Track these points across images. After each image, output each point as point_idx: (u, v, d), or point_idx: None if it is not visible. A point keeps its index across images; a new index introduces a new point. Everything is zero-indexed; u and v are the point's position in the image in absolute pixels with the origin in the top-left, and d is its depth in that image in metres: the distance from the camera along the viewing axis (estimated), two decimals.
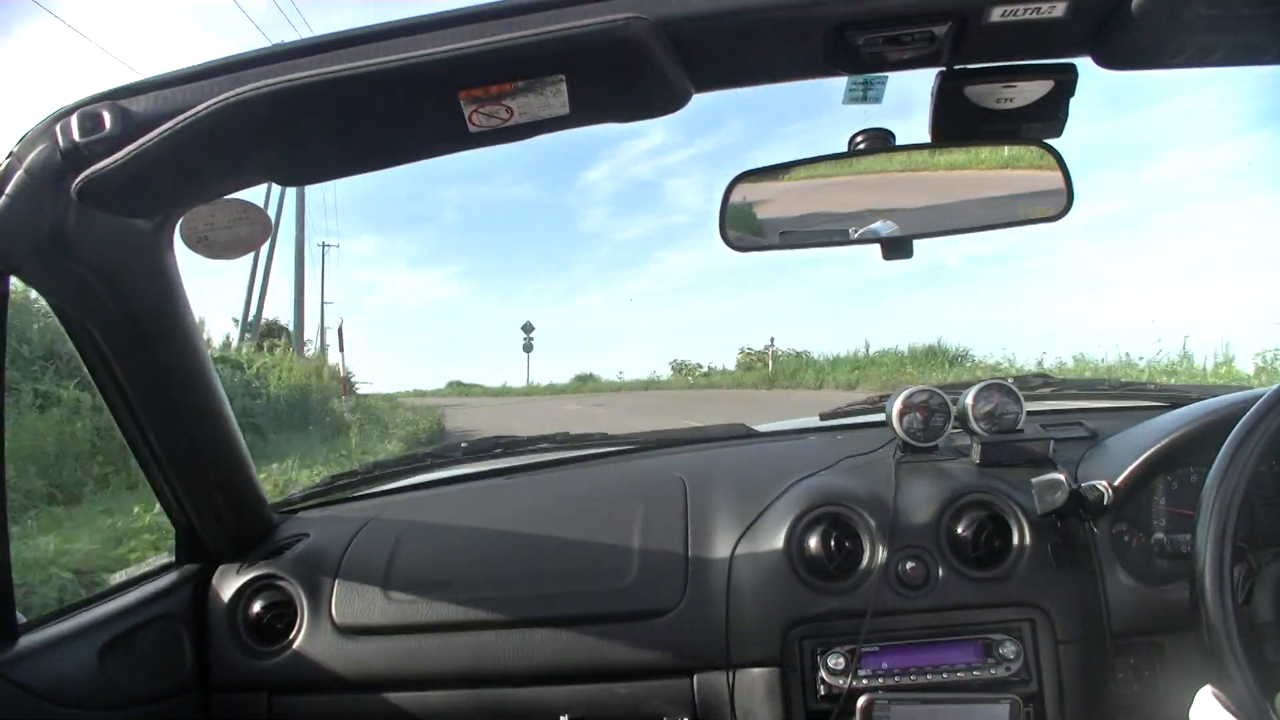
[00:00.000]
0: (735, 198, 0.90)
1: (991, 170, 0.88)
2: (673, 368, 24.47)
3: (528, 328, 27.95)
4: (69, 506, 4.48)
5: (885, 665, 0.98)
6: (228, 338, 14.45)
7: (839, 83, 0.76)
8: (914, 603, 1.00)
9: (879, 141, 0.83)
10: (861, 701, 0.95)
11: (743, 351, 21.52)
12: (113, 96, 0.67)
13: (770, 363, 18.58)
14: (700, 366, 23.60)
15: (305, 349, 14.08)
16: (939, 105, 0.72)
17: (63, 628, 0.95)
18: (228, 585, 1.13)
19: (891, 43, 0.64)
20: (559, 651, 1.06)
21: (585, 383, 26.86)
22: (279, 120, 0.65)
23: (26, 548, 3.13)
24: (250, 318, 14.95)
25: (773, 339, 19.42)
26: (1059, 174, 0.84)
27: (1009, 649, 0.98)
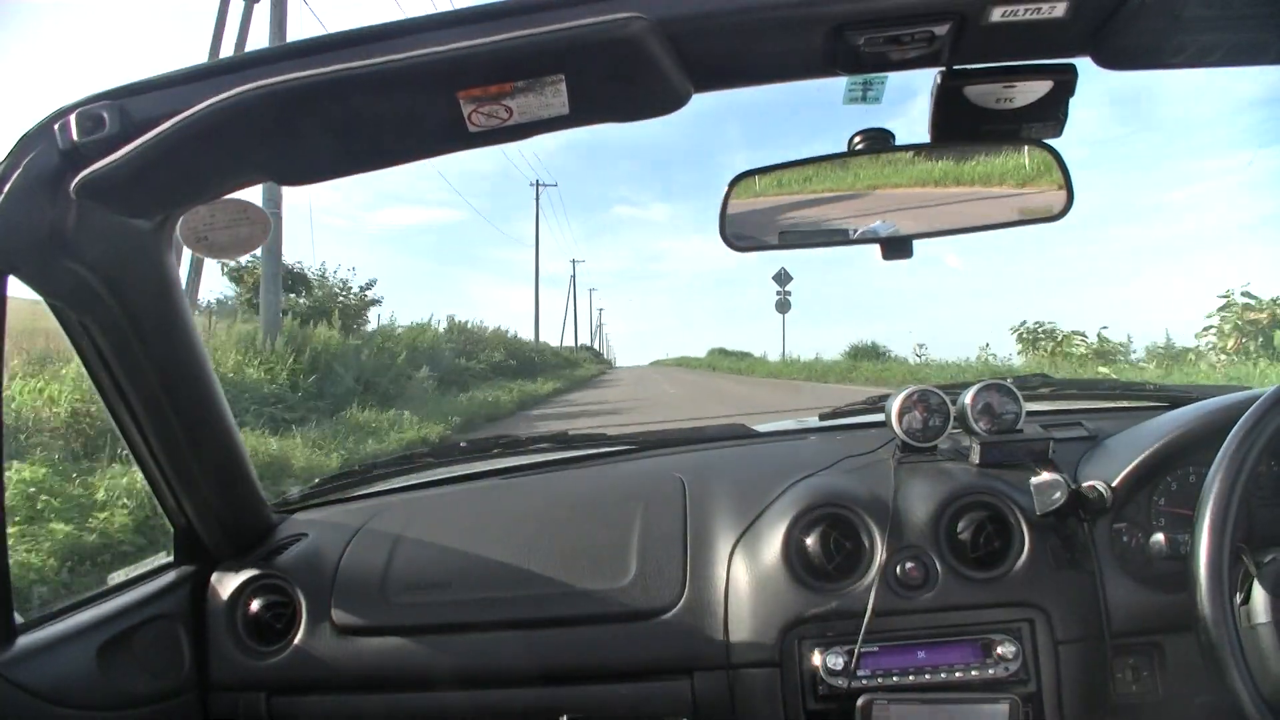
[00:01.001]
0: (735, 197, 0.90)
1: (992, 170, 0.88)
2: (1021, 337, 14.51)
3: (782, 278, 19.65)
4: None
5: (884, 665, 0.98)
6: None
7: None
8: (913, 603, 1.00)
9: (878, 142, 0.83)
10: (861, 701, 0.95)
11: (1239, 303, 10.06)
12: (112, 96, 0.67)
13: None
14: (1080, 336, 13.26)
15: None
16: (939, 105, 0.72)
17: (61, 628, 0.95)
18: (226, 585, 1.13)
19: (892, 42, 0.64)
20: (558, 652, 1.06)
21: (862, 359, 18.27)
22: (278, 120, 0.65)
23: None
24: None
25: None
26: (1059, 174, 0.84)
27: (1008, 649, 0.98)
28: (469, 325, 19.89)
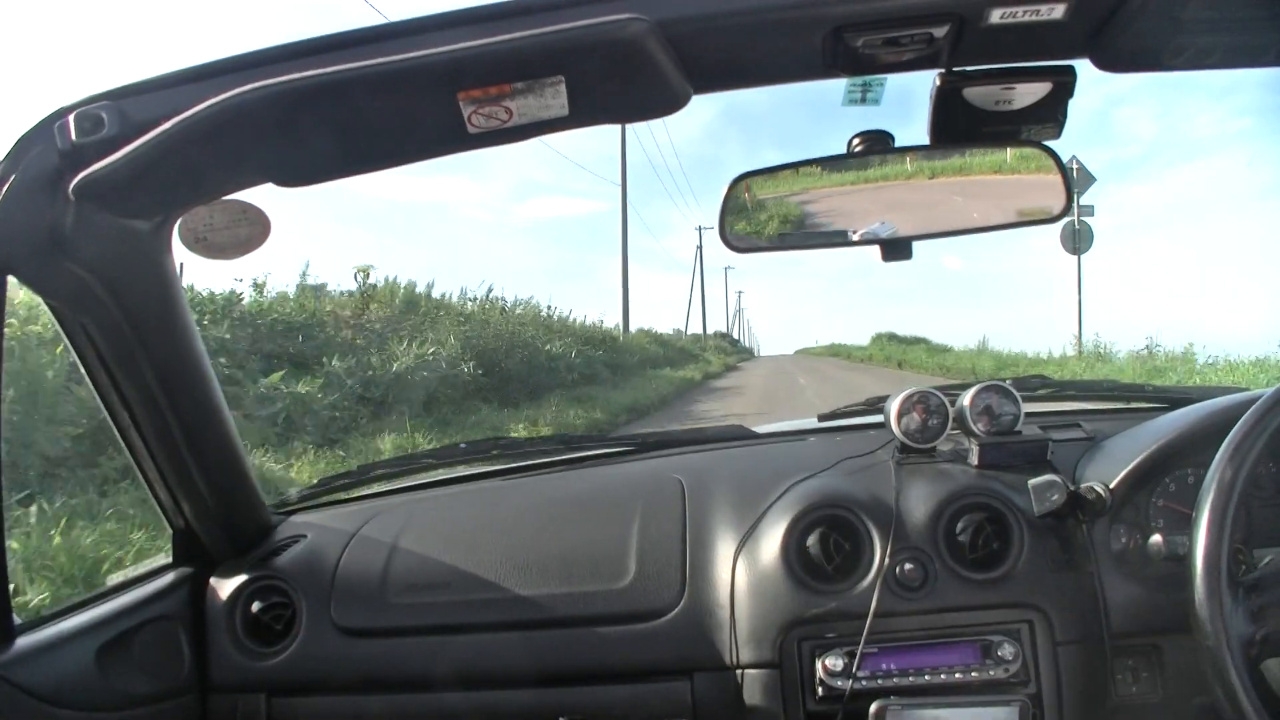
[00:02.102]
0: (735, 198, 0.90)
1: (990, 171, 0.88)
2: None
3: (1077, 179, 10.06)
4: None
5: (883, 667, 0.98)
6: None
7: None
8: (912, 604, 1.00)
9: (878, 143, 0.83)
10: (875, 707, 0.94)
11: None
12: (111, 97, 0.67)
13: None
14: None
15: None
16: (938, 107, 0.72)
17: (60, 629, 0.95)
18: (226, 586, 1.13)
19: (890, 44, 0.64)
20: (557, 653, 1.06)
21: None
22: (277, 121, 0.65)
23: None
24: None
25: None
26: (1057, 175, 0.85)
27: (1007, 650, 0.98)
28: (451, 300, 11.38)
